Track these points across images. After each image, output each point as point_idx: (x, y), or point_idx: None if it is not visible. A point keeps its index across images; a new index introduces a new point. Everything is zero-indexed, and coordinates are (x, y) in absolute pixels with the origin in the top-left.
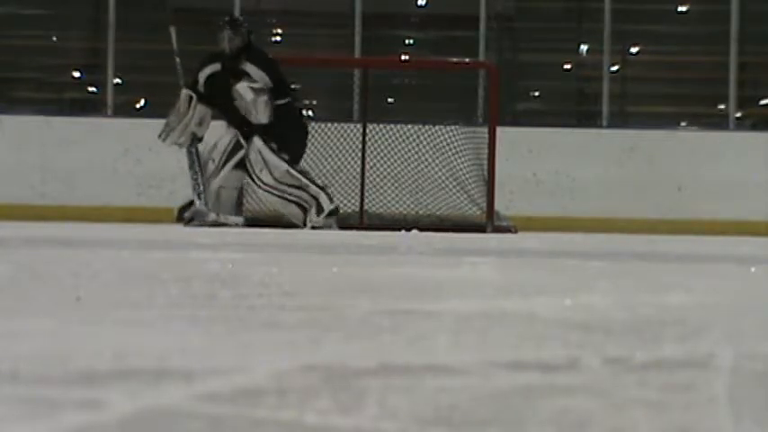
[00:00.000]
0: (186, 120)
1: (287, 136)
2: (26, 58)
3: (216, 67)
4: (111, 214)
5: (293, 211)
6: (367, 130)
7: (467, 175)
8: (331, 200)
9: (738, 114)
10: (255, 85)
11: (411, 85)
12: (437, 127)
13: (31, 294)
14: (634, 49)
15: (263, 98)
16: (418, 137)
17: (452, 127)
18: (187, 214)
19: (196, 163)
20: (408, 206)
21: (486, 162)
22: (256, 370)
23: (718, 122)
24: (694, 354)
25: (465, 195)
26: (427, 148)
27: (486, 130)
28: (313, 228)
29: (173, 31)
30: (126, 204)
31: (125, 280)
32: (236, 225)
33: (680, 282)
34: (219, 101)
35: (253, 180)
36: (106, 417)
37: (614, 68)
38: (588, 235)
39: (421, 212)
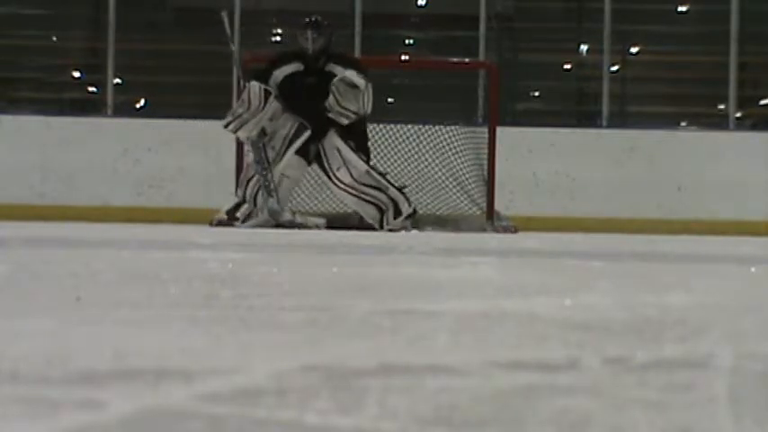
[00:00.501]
0: (261, 114)
1: (364, 136)
2: (26, 58)
3: (297, 66)
4: (111, 214)
5: (370, 212)
6: (367, 130)
7: (467, 175)
8: (409, 202)
9: (738, 114)
10: (362, 77)
11: (411, 85)
12: (437, 127)
13: (31, 294)
14: (634, 49)
15: (371, 89)
16: (418, 137)
17: (452, 127)
18: (261, 214)
19: (264, 158)
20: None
21: (486, 162)
22: (256, 370)
23: (718, 122)
24: (694, 354)
25: (465, 195)
26: (427, 148)
27: (486, 130)
28: (390, 230)
29: (224, 16)
30: (126, 204)
31: (125, 280)
32: (317, 227)
33: (680, 282)
34: (298, 100)
35: (330, 179)
36: (106, 417)
37: (614, 68)
38: (588, 235)
39: (421, 212)
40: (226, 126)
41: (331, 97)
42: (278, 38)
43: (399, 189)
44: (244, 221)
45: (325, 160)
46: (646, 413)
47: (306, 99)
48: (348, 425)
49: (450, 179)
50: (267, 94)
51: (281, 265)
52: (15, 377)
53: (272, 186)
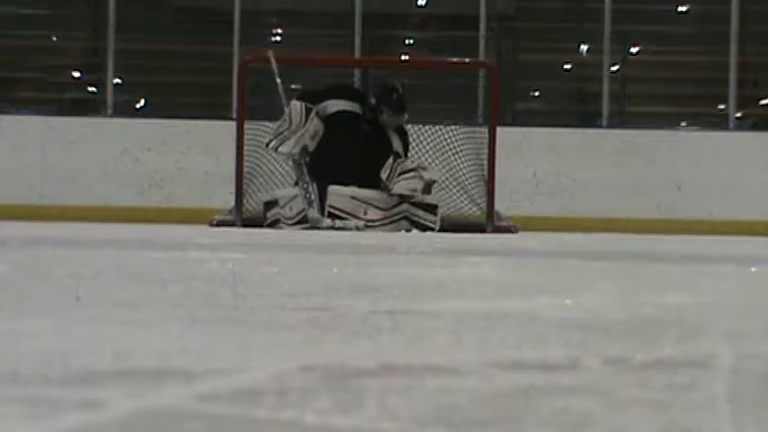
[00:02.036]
0: (302, 131)
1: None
2: (26, 58)
3: (354, 106)
4: (111, 214)
5: (402, 226)
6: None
7: (467, 175)
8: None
9: (738, 114)
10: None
11: (411, 85)
12: (437, 127)
13: (31, 294)
14: (634, 49)
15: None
16: (418, 137)
17: (452, 127)
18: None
19: (305, 175)
20: None
21: (486, 162)
22: (256, 370)
23: (718, 122)
24: (694, 354)
25: (465, 195)
26: (427, 148)
27: (486, 130)
28: (431, 230)
29: (271, 54)
30: (126, 204)
31: (125, 280)
32: (357, 228)
33: (680, 282)
34: (341, 140)
35: (362, 221)
36: (106, 417)
37: (614, 68)
38: (588, 235)
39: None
40: (268, 145)
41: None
42: (278, 38)
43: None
44: (271, 224)
45: (343, 214)
46: (646, 413)
47: (349, 141)
48: (348, 425)
49: (451, 179)
50: (308, 110)
51: (281, 265)
52: (15, 377)
53: (312, 197)
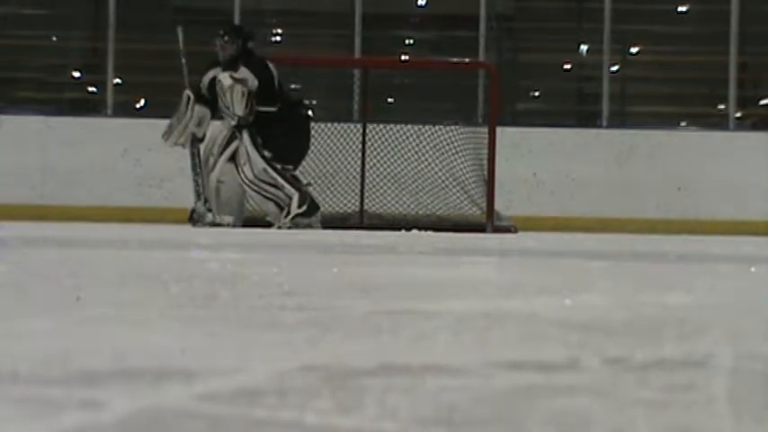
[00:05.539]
0: (185, 120)
1: (278, 137)
2: (26, 58)
3: (217, 71)
4: (111, 214)
5: (270, 209)
6: (367, 130)
7: (467, 175)
8: (302, 203)
9: (738, 114)
10: (237, 75)
11: (411, 85)
12: (437, 127)
13: (31, 294)
14: (634, 49)
15: (240, 88)
16: (418, 137)
17: (452, 127)
18: (195, 216)
19: (197, 165)
20: (408, 206)
21: (486, 162)
22: (256, 370)
23: (718, 122)
24: (694, 354)
25: (465, 195)
26: (427, 148)
27: (486, 130)
28: (279, 228)
29: (180, 31)
30: (126, 204)
31: (125, 280)
32: (228, 225)
33: (680, 282)
34: (218, 105)
35: (238, 173)
36: (106, 417)
37: (614, 68)
38: (588, 235)
39: (421, 212)
40: (162, 137)
41: (219, 100)
42: (278, 38)
43: (298, 188)
44: (196, 223)
45: (237, 156)
46: (646, 413)
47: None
48: (348, 425)
49: (450, 179)
50: (189, 99)
51: (281, 265)
52: (15, 377)
53: (201, 190)
